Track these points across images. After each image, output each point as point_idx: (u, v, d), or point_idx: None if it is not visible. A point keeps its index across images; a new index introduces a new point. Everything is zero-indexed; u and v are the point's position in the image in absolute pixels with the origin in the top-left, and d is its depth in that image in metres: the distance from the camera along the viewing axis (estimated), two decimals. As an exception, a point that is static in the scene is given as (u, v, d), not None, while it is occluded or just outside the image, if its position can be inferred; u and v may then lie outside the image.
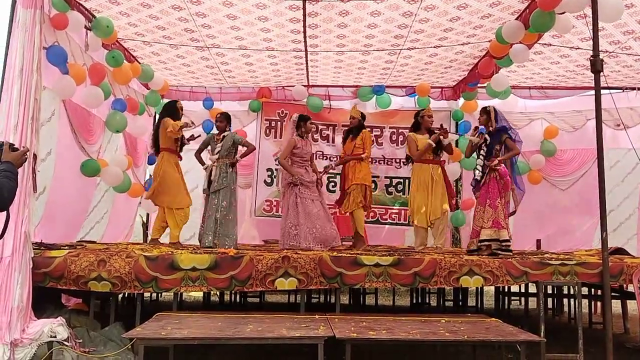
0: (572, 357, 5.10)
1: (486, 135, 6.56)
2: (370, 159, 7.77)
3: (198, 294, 9.43)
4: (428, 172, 7.17)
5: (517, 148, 6.47)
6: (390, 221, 9.63)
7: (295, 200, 6.85)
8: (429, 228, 7.20)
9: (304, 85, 9.49)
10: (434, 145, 7.15)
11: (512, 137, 6.54)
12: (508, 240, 6.15)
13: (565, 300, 8.54)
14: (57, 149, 6.49)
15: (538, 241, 9.12)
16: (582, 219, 9.50)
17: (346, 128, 8.18)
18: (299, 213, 6.80)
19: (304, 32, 6.97)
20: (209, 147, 7.32)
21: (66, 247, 5.65)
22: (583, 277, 5.35)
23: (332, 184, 9.60)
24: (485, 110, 6.70)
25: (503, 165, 6.37)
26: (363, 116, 7.78)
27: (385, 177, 9.73)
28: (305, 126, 7.14)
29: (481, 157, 6.51)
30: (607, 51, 7.10)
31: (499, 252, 6.09)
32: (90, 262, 5.16)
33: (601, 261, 5.22)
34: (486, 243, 6.15)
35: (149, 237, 9.58)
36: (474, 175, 6.60)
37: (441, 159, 7.44)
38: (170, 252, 5.38)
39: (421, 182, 7.18)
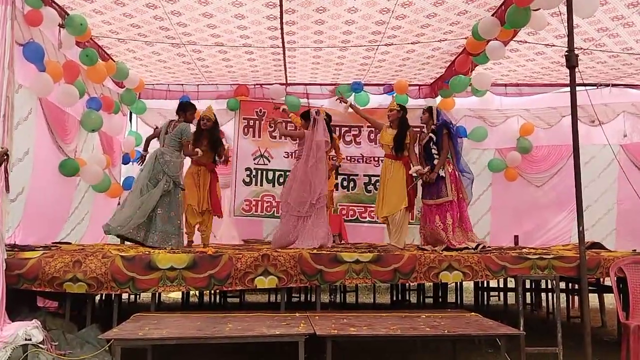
0: (551, 350, 5.15)
1: (431, 134, 6.77)
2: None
3: (177, 295, 9.34)
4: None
5: (446, 148, 6.64)
6: (370, 219, 9.61)
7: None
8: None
9: (282, 84, 9.44)
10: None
11: (452, 131, 6.80)
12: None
13: (544, 295, 8.63)
14: (35, 149, 6.37)
15: (516, 237, 9.17)
16: (558, 214, 9.64)
17: None
18: None
19: (281, 28, 6.94)
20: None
21: (40, 249, 5.53)
22: (561, 270, 5.39)
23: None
24: (426, 109, 6.99)
25: (450, 167, 6.63)
26: (329, 116, 7.70)
27: (364, 176, 9.73)
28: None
29: (435, 155, 6.70)
30: (581, 48, 7.18)
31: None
32: (65, 263, 5.06)
33: (578, 255, 5.28)
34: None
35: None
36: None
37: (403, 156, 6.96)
38: (147, 252, 5.30)
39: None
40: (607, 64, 8.08)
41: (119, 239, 6.87)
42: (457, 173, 6.68)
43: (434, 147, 6.70)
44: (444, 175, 6.59)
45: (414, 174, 6.76)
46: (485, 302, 8.16)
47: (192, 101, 9.29)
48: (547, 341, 5.30)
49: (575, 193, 5.22)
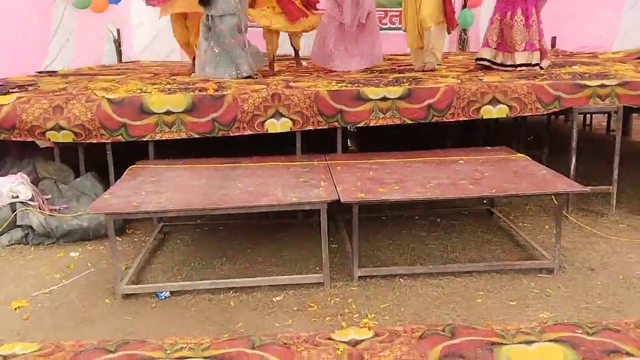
0: (604, 189, 4.58)
1: None
2: None
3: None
4: None
5: None
6: (391, 26, 8.56)
7: None
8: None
9: None
10: None
11: None
12: (538, 64, 5.28)
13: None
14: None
15: (553, 39, 8.22)
16: (603, 9, 8.53)
17: None
18: None
19: None
20: None
21: (15, 90, 4.76)
22: (625, 99, 4.54)
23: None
24: None
25: None
26: None
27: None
28: None
29: None
30: None
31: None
32: (44, 109, 4.36)
33: (647, 79, 4.44)
34: (523, 68, 5.27)
35: (124, 56, 8.59)
36: None
37: None
38: (138, 94, 4.52)
39: None
40: None
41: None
42: None
43: None
44: None
45: None
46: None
47: None
48: (589, 161, 4.76)
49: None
